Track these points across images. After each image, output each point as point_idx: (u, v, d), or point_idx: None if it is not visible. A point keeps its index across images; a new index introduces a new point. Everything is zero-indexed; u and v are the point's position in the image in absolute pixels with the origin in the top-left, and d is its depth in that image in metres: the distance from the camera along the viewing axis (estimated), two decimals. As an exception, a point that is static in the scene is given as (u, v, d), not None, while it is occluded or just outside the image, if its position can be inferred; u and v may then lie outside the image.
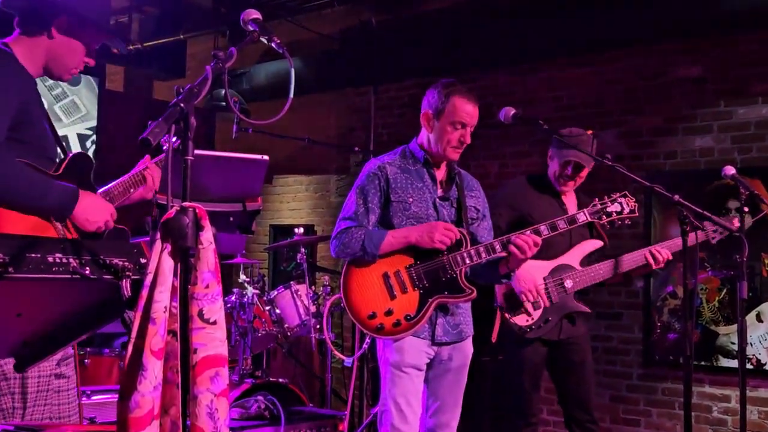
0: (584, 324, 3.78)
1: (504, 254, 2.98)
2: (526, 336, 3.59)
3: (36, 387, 2.27)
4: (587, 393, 3.70)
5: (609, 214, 3.13)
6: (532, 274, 3.49)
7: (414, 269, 2.97)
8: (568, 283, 3.60)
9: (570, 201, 3.80)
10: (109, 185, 2.58)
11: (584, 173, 3.72)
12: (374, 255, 2.93)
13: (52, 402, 2.33)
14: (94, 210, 2.38)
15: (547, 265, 3.60)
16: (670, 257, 3.58)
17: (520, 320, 3.58)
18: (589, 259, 3.69)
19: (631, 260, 3.62)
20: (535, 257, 3.04)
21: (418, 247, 2.97)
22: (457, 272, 2.96)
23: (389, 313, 2.93)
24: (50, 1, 2.47)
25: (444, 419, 3.05)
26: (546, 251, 3.25)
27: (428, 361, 3.01)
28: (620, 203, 3.14)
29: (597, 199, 3.18)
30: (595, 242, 3.70)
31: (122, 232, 2.55)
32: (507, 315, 3.58)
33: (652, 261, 3.56)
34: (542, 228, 3.02)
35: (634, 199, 3.17)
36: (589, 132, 3.78)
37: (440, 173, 3.13)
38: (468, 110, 3.02)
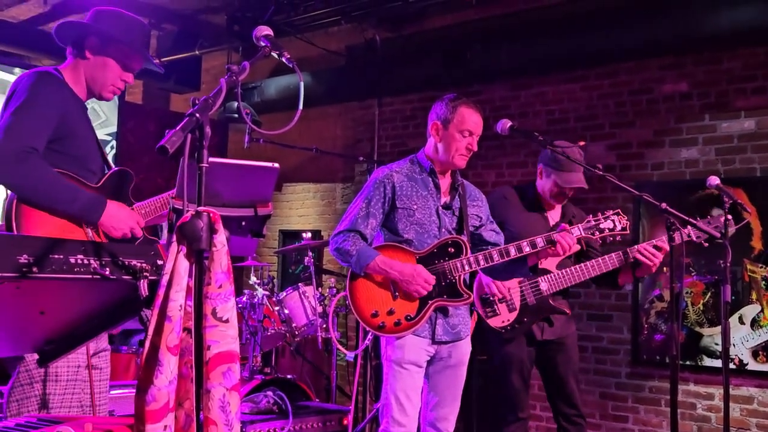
0: (572, 324, 3.77)
1: (500, 261, 3.00)
2: (504, 336, 3.59)
3: (66, 376, 2.31)
4: (572, 389, 3.69)
5: (602, 230, 3.10)
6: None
7: None
8: (543, 286, 3.57)
9: (554, 213, 3.75)
10: (145, 201, 2.65)
11: (570, 194, 3.69)
12: (360, 272, 2.96)
13: (84, 391, 2.36)
14: (120, 218, 2.47)
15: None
16: (653, 253, 3.43)
17: (495, 322, 3.57)
18: (565, 263, 3.62)
19: (605, 263, 3.53)
20: (512, 261, 3.04)
21: (420, 251, 2.98)
22: (456, 278, 2.97)
23: (391, 312, 2.94)
24: (82, 24, 2.57)
25: (443, 413, 3.05)
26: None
27: (428, 358, 3.01)
28: (613, 220, 3.10)
29: (591, 216, 3.14)
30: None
31: (153, 242, 2.58)
32: (483, 316, 3.57)
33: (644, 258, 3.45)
34: (538, 240, 3.02)
35: (626, 218, 3.14)
36: (581, 143, 3.77)
37: (445, 182, 3.12)
38: (475, 119, 3.04)
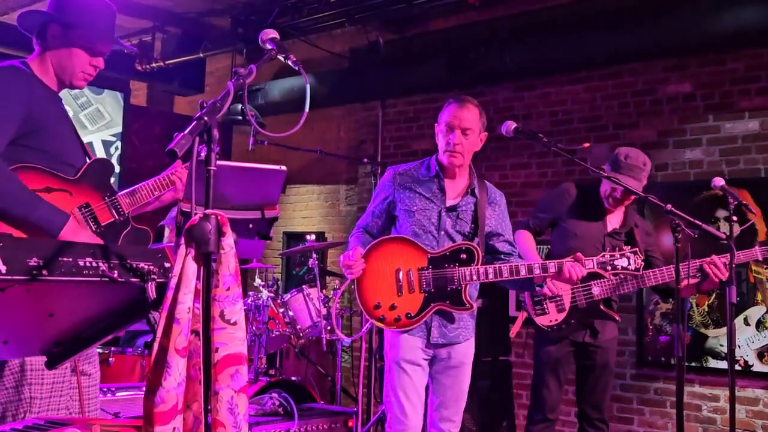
0: (615, 328, 3.72)
1: (509, 278, 2.97)
2: (549, 335, 3.58)
3: (52, 379, 2.27)
4: (603, 394, 3.68)
5: (615, 267, 3.04)
6: (583, 270, 3.39)
7: (425, 273, 2.98)
8: (596, 290, 3.55)
9: (614, 218, 3.69)
10: (135, 186, 2.58)
11: (632, 197, 3.63)
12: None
13: (70, 395, 2.33)
14: (82, 237, 2.31)
15: None
16: (719, 269, 3.40)
17: (543, 320, 3.58)
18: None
19: (662, 275, 3.51)
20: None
21: (433, 252, 2.99)
22: (462, 286, 2.96)
23: (393, 307, 2.97)
24: (42, 13, 2.46)
25: (446, 413, 3.06)
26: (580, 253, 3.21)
27: (427, 358, 3.03)
28: (628, 258, 3.04)
29: (609, 251, 3.09)
30: None
31: (143, 232, 2.55)
32: (532, 314, 3.57)
33: (711, 273, 3.39)
34: (550, 265, 2.97)
35: (642, 257, 3.07)
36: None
37: (453, 184, 3.10)
38: (453, 112, 3.02)
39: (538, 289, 3.19)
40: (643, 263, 3.07)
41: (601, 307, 3.57)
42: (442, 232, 3.03)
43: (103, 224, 2.47)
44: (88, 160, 2.52)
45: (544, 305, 3.57)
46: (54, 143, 2.39)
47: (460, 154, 3.02)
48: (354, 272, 2.94)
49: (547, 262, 2.99)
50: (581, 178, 3.85)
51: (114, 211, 2.50)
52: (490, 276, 2.95)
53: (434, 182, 3.09)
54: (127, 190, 2.56)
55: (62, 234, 2.26)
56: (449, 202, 3.08)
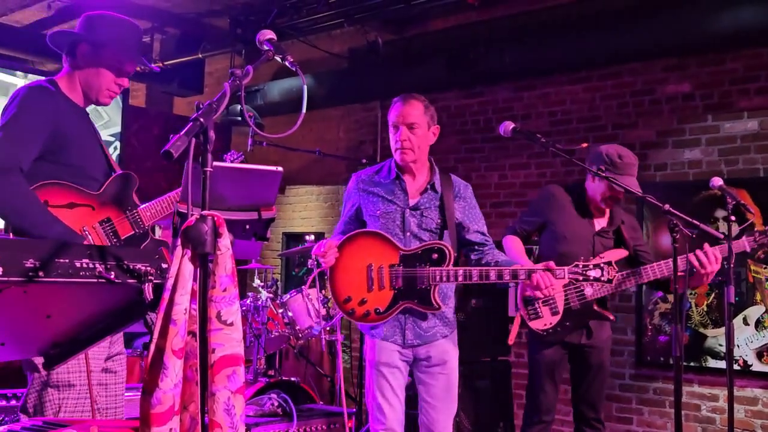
0: (609, 328, 3.71)
1: (478, 282, 2.99)
2: (544, 338, 3.57)
3: (79, 380, 2.32)
4: (599, 394, 3.67)
5: (587, 278, 2.99)
6: (552, 280, 3.41)
7: (395, 270, 2.99)
8: (588, 291, 3.53)
9: (602, 219, 3.67)
10: (150, 203, 2.64)
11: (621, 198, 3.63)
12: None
13: (99, 394, 2.37)
14: None
15: None
16: (712, 260, 3.34)
17: (537, 324, 3.55)
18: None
19: (653, 271, 3.48)
20: (558, 265, 2.99)
21: (405, 249, 3.01)
22: (432, 286, 2.96)
23: (363, 302, 2.99)
24: (73, 33, 2.56)
25: (432, 414, 3.06)
26: (568, 260, 3.17)
27: (405, 359, 3.05)
28: (602, 269, 2.98)
29: (582, 261, 3.06)
30: (618, 252, 3.56)
31: (163, 243, 2.59)
32: (526, 318, 3.56)
33: (697, 263, 3.34)
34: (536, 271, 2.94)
35: (617, 269, 3.02)
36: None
37: (415, 183, 3.11)
38: (396, 110, 3.07)
39: (530, 292, 3.20)
40: (616, 275, 3.01)
41: (595, 307, 3.56)
42: (408, 233, 3.05)
43: (123, 237, 2.55)
44: (112, 173, 2.60)
45: (538, 308, 3.55)
46: (79, 158, 2.48)
47: (410, 149, 3.03)
48: (327, 261, 2.97)
49: (518, 268, 2.96)
50: (580, 179, 3.83)
51: (134, 225, 2.58)
52: (460, 278, 2.95)
53: (395, 184, 3.10)
54: (149, 203, 2.64)
55: None
56: (411, 202, 3.08)
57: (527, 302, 3.56)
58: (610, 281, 2.99)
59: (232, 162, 2.65)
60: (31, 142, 2.37)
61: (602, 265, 2.98)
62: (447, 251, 2.97)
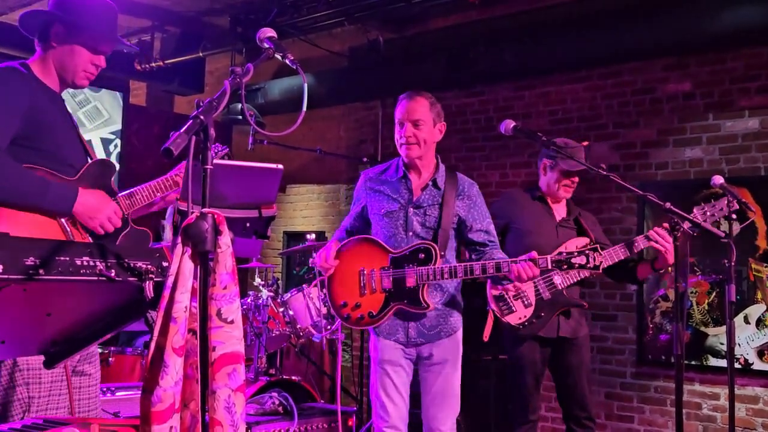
0: (586, 325, 3.76)
1: (464, 278, 3.01)
2: (520, 333, 3.57)
3: (50, 378, 2.27)
4: (584, 391, 3.68)
5: (572, 265, 2.94)
6: (535, 270, 3.38)
7: (385, 272, 3.02)
8: (557, 279, 3.57)
9: (560, 208, 3.79)
10: (134, 188, 2.58)
11: (576, 181, 3.74)
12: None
13: (72, 396, 2.33)
14: (95, 206, 2.38)
15: None
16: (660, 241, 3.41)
17: (512, 319, 3.56)
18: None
19: (611, 255, 3.49)
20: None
21: (394, 252, 3.03)
22: (420, 285, 2.98)
23: (357, 306, 3.05)
24: (46, 12, 2.47)
25: (433, 411, 3.07)
26: (537, 252, 3.20)
27: (409, 357, 3.08)
28: (587, 255, 2.93)
29: (566, 248, 3.06)
30: (581, 240, 3.61)
31: (143, 232, 2.55)
32: (498, 314, 3.57)
33: (655, 242, 3.41)
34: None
35: (602, 255, 2.98)
36: (584, 143, 3.78)
37: (420, 181, 3.12)
38: (402, 107, 3.10)
39: (504, 283, 3.24)
40: (602, 262, 2.97)
41: (565, 293, 3.58)
42: (410, 233, 3.06)
43: None
44: (88, 159, 2.52)
45: (509, 302, 3.56)
46: (54, 144, 2.39)
47: (415, 144, 3.04)
48: (328, 271, 3.06)
49: (501, 261, 2.96)
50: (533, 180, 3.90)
51: None
52: (446, 275, 2.97)
53: (401, 182, 3.11)
54: (127, 191, 2.56)
55: (76, 207, 2.33)
56: (414, 199, 3.09)
57: (498, 299, 3.57)
58: (596, 267, 2.94)
59: (215, 154, 2.60)
60: (5, 124, 2.28)
61: (587, 251, 2.95)
62: (433, 250, 2.98)
